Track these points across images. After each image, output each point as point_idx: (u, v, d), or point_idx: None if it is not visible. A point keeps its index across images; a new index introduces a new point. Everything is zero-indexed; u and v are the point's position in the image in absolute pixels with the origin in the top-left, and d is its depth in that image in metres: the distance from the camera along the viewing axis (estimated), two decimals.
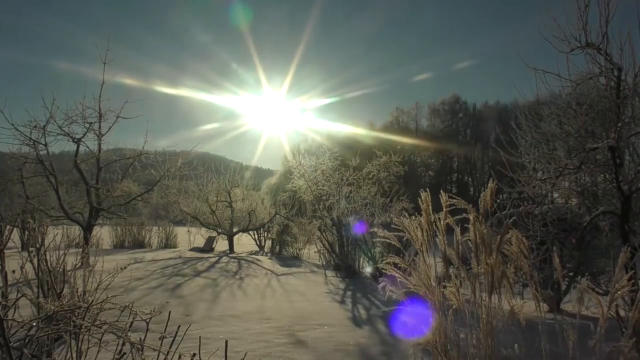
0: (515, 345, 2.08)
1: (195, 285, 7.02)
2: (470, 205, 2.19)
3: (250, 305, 5.51)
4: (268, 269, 9.37)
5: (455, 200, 2.27)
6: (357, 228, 9.05)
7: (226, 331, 4.15)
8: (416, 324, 2.22)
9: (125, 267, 3.17)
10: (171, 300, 5.58)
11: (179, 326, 2.14)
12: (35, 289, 2.86)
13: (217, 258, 12.03)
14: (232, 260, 11.64)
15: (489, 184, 2.22)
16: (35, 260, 2.79)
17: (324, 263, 10.18)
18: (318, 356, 3.53)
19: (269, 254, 14.67)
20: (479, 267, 2.16)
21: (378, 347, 3.93)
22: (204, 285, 7.08)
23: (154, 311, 2.15)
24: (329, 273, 9.18)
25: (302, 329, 4.34)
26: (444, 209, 2.31)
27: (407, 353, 3.60)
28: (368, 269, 8.26)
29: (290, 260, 12.51)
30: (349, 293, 6.93)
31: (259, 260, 11.32)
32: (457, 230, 2.30)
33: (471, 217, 2.17)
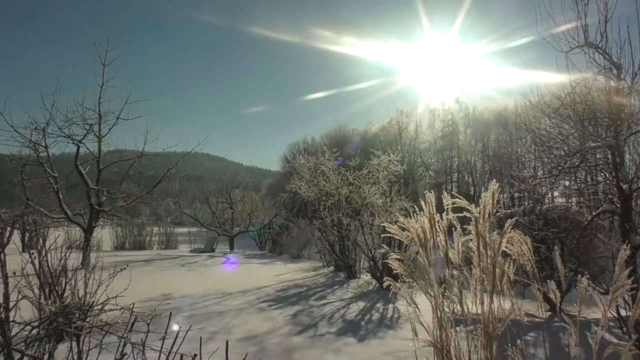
0: (517, 343, 2.08)
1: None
2: (473, 205, 2.19)
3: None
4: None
5: (457, 199, 2.27)
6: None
7: None
8: None
9: (124, 268, 3.18)
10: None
11: (180, 327, 2.14)
12: (37, 290, 2.86)
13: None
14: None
15: (491, 186, 2.21)
16: (36, 262, 2.79)
17: (325, 263, 10.22)
18: None
19: (268, 253, 14.68)
20: (480, 267, 2.16)
21: None
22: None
23: (153, 312, 2.15)
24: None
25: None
26: (446, 209, 2.31)
27: None
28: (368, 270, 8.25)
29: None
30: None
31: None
32: (459, 229, 2.30)
33: (473, 218, 2.17)
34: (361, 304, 5.80)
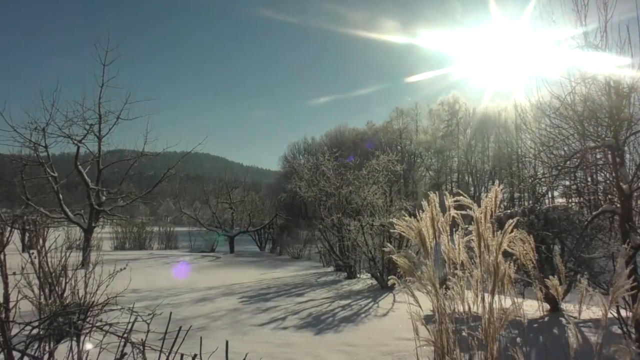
0: (517, 342, 2.08)
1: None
2: (475, 205, 2.19)
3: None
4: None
5: (459, 197, 2.27)
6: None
7: None
8: None
9: (124, 268, 3.19)
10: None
11: (180, 327, 2.14)
12: (37, 290, 2.86)
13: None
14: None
15: (493, 187, 2.21)
16: (36, 262, 2.79)
17: (324, 263, 10.22)
18: None
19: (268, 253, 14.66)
20: (481, 267, 2.16)
21: None
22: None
23: (153, 311, 2.15)
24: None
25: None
26: (448, 209, 2.30)
27: None
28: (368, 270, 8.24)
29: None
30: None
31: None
32: (461, 228, 2.29)
33: (474, 218, 2.16)
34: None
